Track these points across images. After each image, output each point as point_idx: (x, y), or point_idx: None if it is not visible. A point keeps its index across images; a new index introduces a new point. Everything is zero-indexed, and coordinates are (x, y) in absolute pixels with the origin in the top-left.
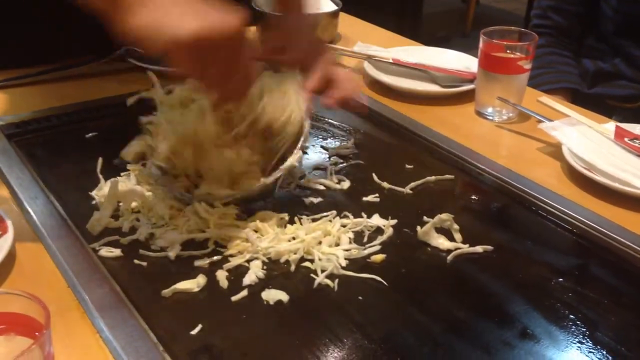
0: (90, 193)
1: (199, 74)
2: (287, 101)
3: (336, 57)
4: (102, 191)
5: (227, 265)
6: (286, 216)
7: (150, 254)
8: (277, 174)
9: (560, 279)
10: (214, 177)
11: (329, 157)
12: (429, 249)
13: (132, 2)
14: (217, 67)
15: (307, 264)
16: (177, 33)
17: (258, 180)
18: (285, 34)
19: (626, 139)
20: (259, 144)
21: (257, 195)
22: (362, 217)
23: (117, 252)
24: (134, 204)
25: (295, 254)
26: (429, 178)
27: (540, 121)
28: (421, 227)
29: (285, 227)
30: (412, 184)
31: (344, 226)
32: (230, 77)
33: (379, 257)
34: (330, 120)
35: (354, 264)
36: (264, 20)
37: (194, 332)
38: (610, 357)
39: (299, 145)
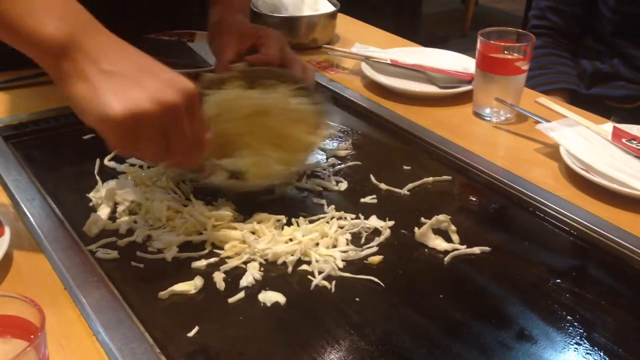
0: (87, 195)
1: (130, 150)
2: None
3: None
4: (99, 193)
5: (224, 267)
6: (283, 218)
7: (147, 255)
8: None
9: (558, 280)
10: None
11: (327, 159)
12: (427, 250)
13: (68, 72)
14: (151, 144)
15: (304, 265)
16: (105, 111)
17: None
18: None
19: (623, 140)
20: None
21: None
22: (359, 218)
23: (114, 254)
24: (131, 206)
25: (292, 255)
26: (426, 179)
27: (537, 122)
28: (418, 228)
29: (282, 228)
30: (410, 185)
31: (341, 227)
32: (172, 149)
33: (377, 258)
34: (327, 122)
35: (351, 265)
36: (262, 21)
37: (190, 333)
38: (607, 359)
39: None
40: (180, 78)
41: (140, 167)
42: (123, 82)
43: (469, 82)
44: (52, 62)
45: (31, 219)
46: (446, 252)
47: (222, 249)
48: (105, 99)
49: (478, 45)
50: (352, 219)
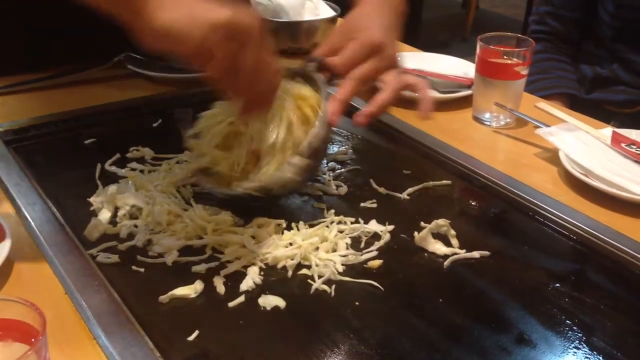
0: (88, 199)
1: (227, 75)
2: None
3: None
4: (100, 197)
5: (224, 271)
6: (283, 222)
7: (148, 260)
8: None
9: (557, 284)
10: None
11: (327, 163)
12: (426, 254)
13: (154, 3)
14: (245, 69)
15: (304, 269)
16: (214, 18)
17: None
18: (342, 34)
19: (623, 145)
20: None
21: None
22: (359, 222)
23: (114, 258)
24: (131, 210)
25: (292, 259)
26: (426, 183)
27: (537, 127)
28: (418, 233)
29: (282, 233)
30: (410, 190)
31: (341, 232)
32: (257, 82)
33: (376, 262)
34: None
35: (351, 269)
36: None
37: (191, 338)
38: None
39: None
40: (250, 10)
41: (141, 171)
42: (212, 4)
43: (469, 86)
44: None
45: (32, 223)
46: (446, 257)
47: (222, 253)
48: (209, 11)
49: (478, 50)
50: (351, 223)
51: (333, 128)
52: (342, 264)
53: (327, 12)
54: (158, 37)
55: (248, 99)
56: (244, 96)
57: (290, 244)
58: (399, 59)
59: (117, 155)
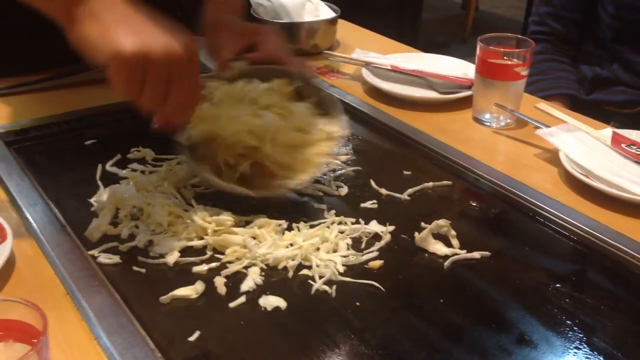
0: (89, 200)
1: (135, 93)
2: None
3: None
4: (101, 198)
5: (225, 272)
6: (284, 223)
7: (149, 260)
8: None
9: (558, 285)
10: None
11: (327, 164)
12: (427, 255)
13: (82, 14)
14: (155, 88)
15: (305, 270)
16: (117, 47)
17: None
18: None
19: (623, 145)
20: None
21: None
22: (359, 223)
23: (115, 258)
24: (132, 211)
25: (293, 260)
26: (426, 184)
27: (537, 127)
28: (419, 233)
29: (283, 233)
30: (410, 190)
31: (341, 232)
32: (170, 99)
33: (377, 263)
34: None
35: (352, 270)
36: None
37: (191, 338)
38: None
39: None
40: (183, 34)
41: (142, 172)
42: (134, 26)
43: (469, 87)
44: (65, 5)
45: (33, 224)
46: (446, 257)
47: (223, 253)
48: (118, 37)
49: (478, 51)
50: (352, 223)
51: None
52: (343, 265)
53: (327, 13)
54: (76, 46)
55: (159, 114)
56: (153, 111)
57: (291, 245)
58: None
59: (118, 156)
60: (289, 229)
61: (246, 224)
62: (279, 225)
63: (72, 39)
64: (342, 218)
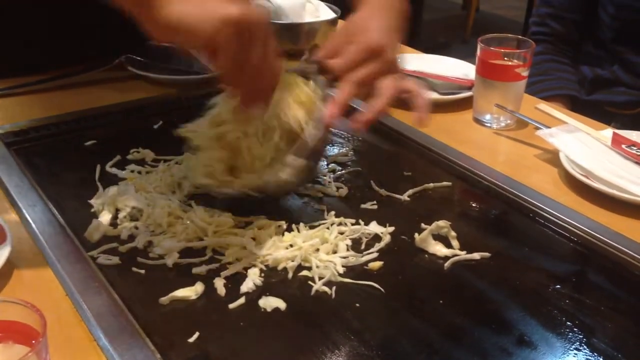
0: (88, 201)
1: (233, 68)
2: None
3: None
4: (100, 199)
5: (224, 273)
6: (284, 224)
7: (148, 261)
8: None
9: (558, 286)
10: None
11: (327, 164)
12: (427, 256)
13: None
14: (250, 64)
15: (304, 271)
16: (223, 14)
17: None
18: (343, 37)
19: (623, 146)
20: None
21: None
22: (359, 224)
23: (115, 259)
24: (132, 212)
25: (292, 261)
26: (426, 185)
27: (537, 128)
28: (419, 234)
29: (282, 234)
30: (410, 191)
31: (341, 233)
32: (260, 77)
33: (377, 264)
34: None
35: (352, 271)
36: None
37: (191, 339)
38: None
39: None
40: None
41: (140, 173)
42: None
43: (469, 88)
44: None
45: (33, 225)
46: (446, 258)
47: (222, 254)
48: (219, 6)
49: (478, 52)
50: (352, 224)
51: (332, 130)
52: (343, 266)
53: (328, 14)
54: (168, 29)
55: (249, 91)
56: (245, 89)
57: (291, 246)
58: (399, 62)
59: (118, 157)
60: (289, 230)
61: (246, 225)
62: (279, 226)
63: (157, 21)
64: (341, 219)
